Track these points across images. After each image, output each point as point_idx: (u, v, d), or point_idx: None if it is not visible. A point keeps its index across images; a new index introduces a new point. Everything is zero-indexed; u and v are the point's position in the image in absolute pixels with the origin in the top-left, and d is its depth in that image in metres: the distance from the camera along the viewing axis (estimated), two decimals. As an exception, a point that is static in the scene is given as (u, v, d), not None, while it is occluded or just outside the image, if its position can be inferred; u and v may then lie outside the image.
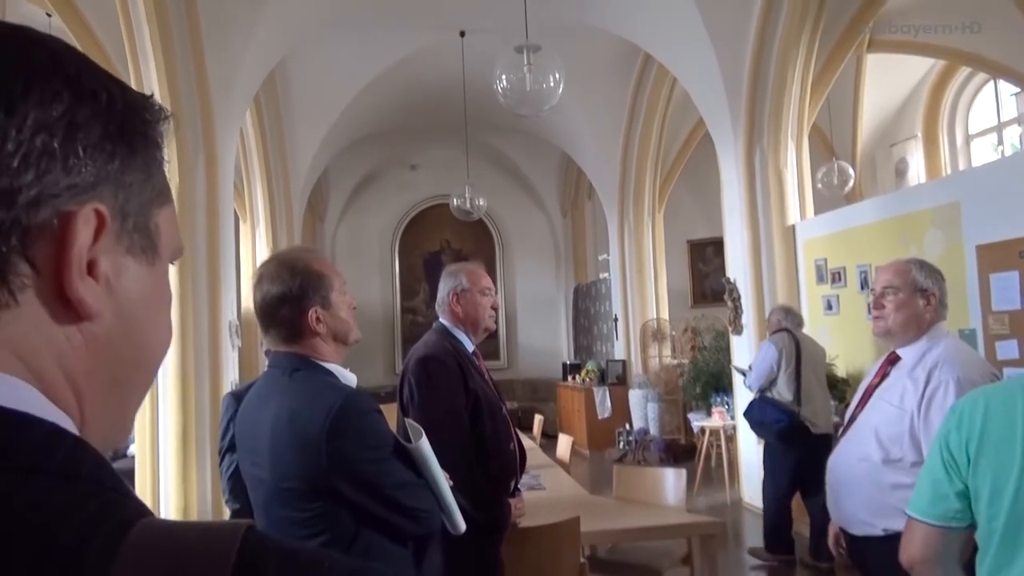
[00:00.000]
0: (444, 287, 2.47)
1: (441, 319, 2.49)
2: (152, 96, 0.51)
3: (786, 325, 4.96)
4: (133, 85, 5.13)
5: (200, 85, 5.21)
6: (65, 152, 0.43)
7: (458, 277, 2.46)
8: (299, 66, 8.02)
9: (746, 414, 5.02)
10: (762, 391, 4.89)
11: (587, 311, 12.34)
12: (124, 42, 5.05)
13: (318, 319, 1.60)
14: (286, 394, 1.56)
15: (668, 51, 6.71)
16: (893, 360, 2.29)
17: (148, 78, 5.04)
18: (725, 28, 5.89)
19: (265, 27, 5.54)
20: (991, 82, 9.04)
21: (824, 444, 4.30)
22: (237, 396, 3.17)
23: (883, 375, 2.30)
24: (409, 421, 1.67)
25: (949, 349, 2.17)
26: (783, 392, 4.75)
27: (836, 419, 4.74)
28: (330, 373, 1.60)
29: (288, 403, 1.54)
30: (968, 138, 9.58)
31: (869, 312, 2.49)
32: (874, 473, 2.16)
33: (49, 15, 6.62)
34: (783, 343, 4.82)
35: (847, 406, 2.59)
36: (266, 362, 3.17)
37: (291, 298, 1.59)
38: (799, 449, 4.64)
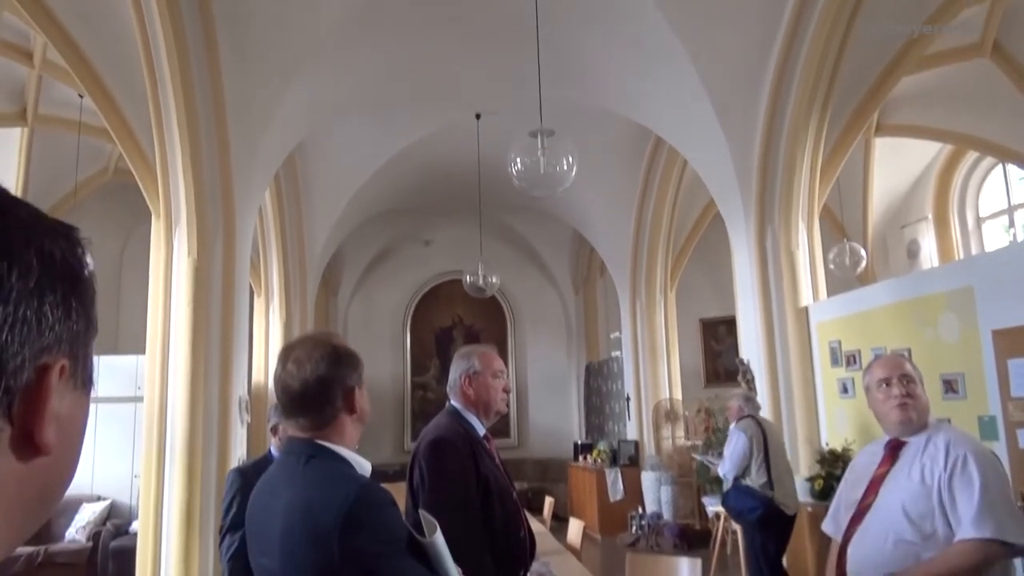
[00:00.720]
0: (456, 369, 2.46)
1: (453, 401, 2.47)
2: (74, 229, 0.54)
3: (748, 411, 5.13)
4: (158, 164, 5.31)
5: (223, 165, 5.35)
6: (39, 317, 0.47)
7: (470, 359, 2.45)
8: (318, 145, 8.24)
9: (724, 504, 5.15)
10: (736, 479, 4.97)
11: (599, 389, 12.22)
12: (151, 121, 5.22)
13: (355, 400, 1.59)
14: (299, 483, 1.53)
15: (679, 134, 6.86)
16: (896, 447, 2.33)
17: (173, 156, 5.19)
18: (735, 112, 6.03)
19: (288, 109, 5.72)
20: (1000, 165, 9.14)
21: (793, 524, 4.76)
22: (243, 472, 3.14)
23: (891, 461, 2.33)
24: (424, 514, 1.63)
25: (951, 431, 2.30)
26: (756, 478, 4.85)
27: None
28: (345, 461, 1.57)
29: (301, 492, 1.50)
30: (979, 220, 9.62)
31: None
32: (916, 551, 2.17)
33: (81, 96, 6.88)
34: (751, 430, 4.95)
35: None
36: (272, 441, 3.16)
37: (333, 381, 1.57)
38: (778, 534, 4.77)
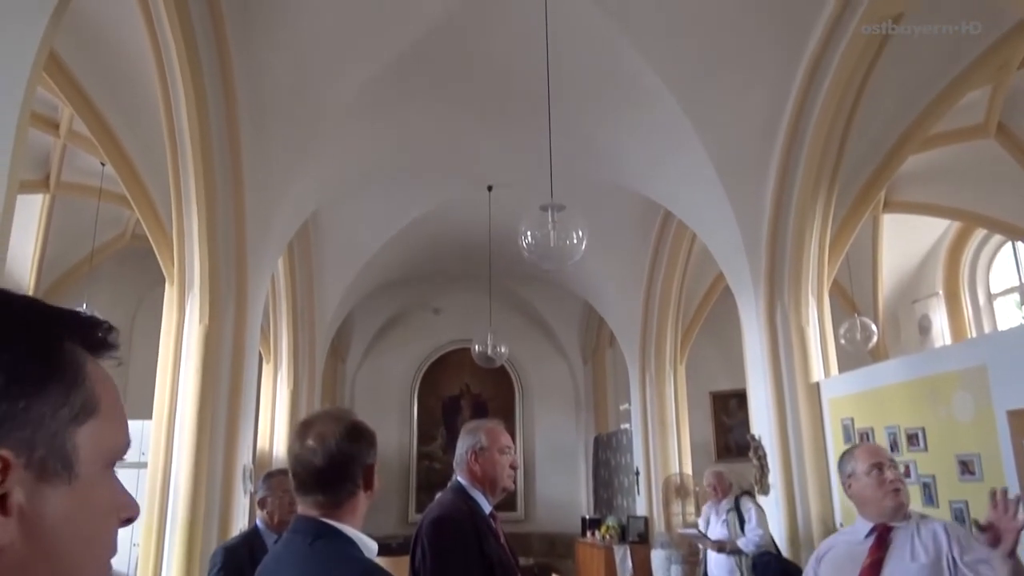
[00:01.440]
0: (463, 444, 2.44)
1: (459, 477, 2.44)
2: (81, 314, 0.54)
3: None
4: (175, 231, 5.40)
5: (238, 233, 5.44)
6: None
7: (477, 435, 2.43)
8: (332, 213, 8.37)
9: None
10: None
11: (608, 463, 12.02)
12: (170, 189, 5.34)
13: (372, 477, 1.59)
14: (304, 564, 1.50)
15: (688, 209, 6.94)
16: (884, 533, 2.34)
17: (189, 224, 5.28)
18: (743, 189, 6.11)
19: (303, 180, 5.85)
20: (1009, 243, 9.17)
21: None
22: (228, 550, 3.05)
23: (881, 548, 2.32)
24: None
25: (921, 515, 2.40)
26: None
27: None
28: (352, 542, 1.55)
29: (306, 574, 1.48)
30: (991, 297, 9.59)
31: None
32: None
33: (103, 164, 7.06)
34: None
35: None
36: (259, 515, 3.09)
37: (354, 457, 1.56)
38: None
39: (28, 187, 7.72)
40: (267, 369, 8.77)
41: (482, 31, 5.34)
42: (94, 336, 0.57)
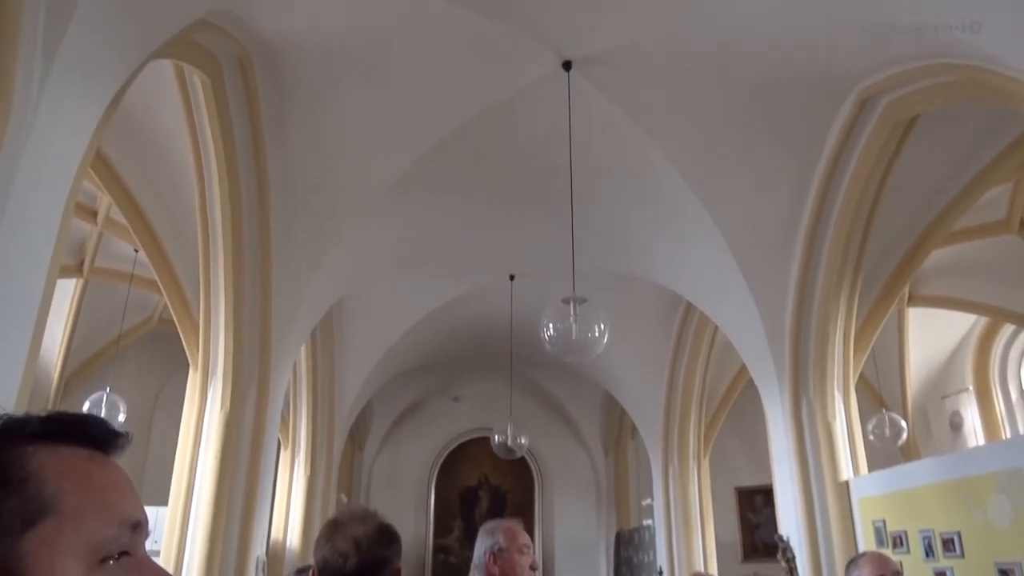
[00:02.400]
0: (481, 546, 2.38)
1: (477, 579, 2.37)
2: (46, 414, 0.53)
3: None
4: (201, 318, 5.48)
5: (263, 322, 5.51)
6: None
7: (495, 535, 2.38)
8: (356, 302, 8.47)
9: None
10: None
11: (629, 560, 11.60)
12: (200, 277, 5.45)
13: None
14: None
15: (710, 301, 6.94)
16: None
17: (216, 312, 5.36)
18: (765, 282, 6.11)
19: (328, 270, 5.96)
20: (1039, 339, 9.02)
21: None
22: None
23: None
24: None
25: None
26: None
27: None
28: None
29: None
30: (1023, 393, 9.36)
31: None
32: None
33: (136, 250, 7.25)
34: None
35: None
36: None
37: (385, 560, 1.54)
38: None
39: (62, 272, 7.90)
40: (284, 456, 8.70)
41: (508, 127, 5.52)
42: (65, 430, 0.56)
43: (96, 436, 0.59)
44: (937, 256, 7.09)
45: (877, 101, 5.03)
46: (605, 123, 5.33)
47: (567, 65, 4.79)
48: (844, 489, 5.84)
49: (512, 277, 8.16)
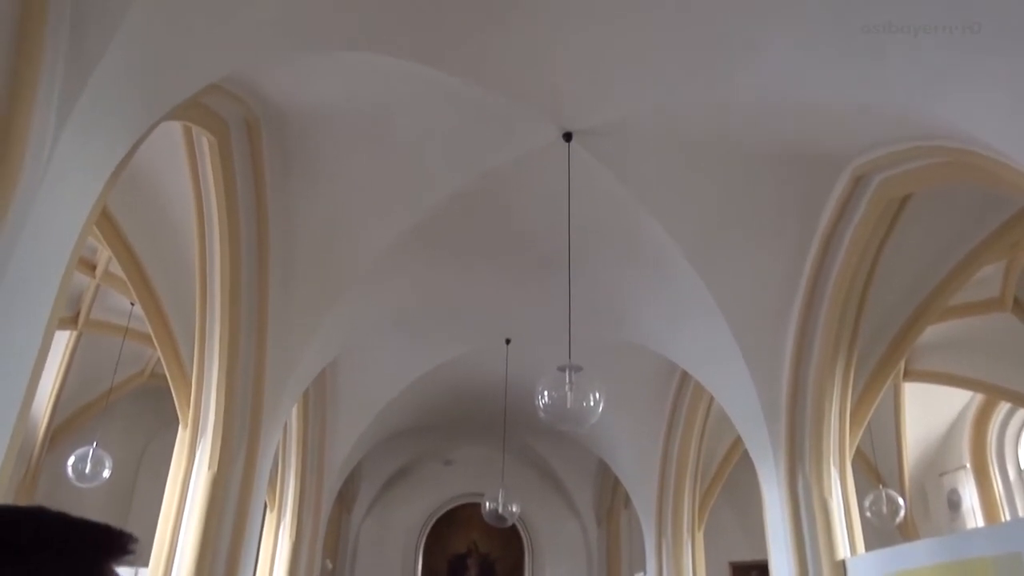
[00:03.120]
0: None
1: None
2: (111, 530, 0.56)
3: None
4: (195, 374, 5.44)
5: (256, 381, 5.47)
6: None
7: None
8: (350, 362, 8.43)
9: None
10: None
11: (621, 636, 11.26)
12: (195, 333, 5.43)
13: None
14: None
15: (706, 372, 6.92)
16: None
17: (210, 369, 5.33)
18: (761, 354, 6.11)
19: (325, 331, 5.95)
20: (1036, 417, 8.98)
21: None
22: None
23: None
24: None
25: None
26: None
27: None
28: None
29: None
30: (1021, 472, 9.26)
31: None
32: None
33: (133, 304, 7.25)
34: None
35: None
36: None
37: None
38: None
39: (58, 324, 7.90)
40: (270, 518, 8.51)
41: (507, 194, 5.59)
42: (118, 549, 0.57)
43: (129, 551, 0.60)
44: (933, 331, 7.11)
45: (871, 179, 5.13)
46: (604, 193, 5.41)
47: (567, 136, 4.89)
48: (841, 568, 5.72)
49: (508, 341, 8.15)
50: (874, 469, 9.25)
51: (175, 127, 4.56)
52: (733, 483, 9.68)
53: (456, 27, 3.91)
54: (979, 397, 9.35)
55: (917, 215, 5.51)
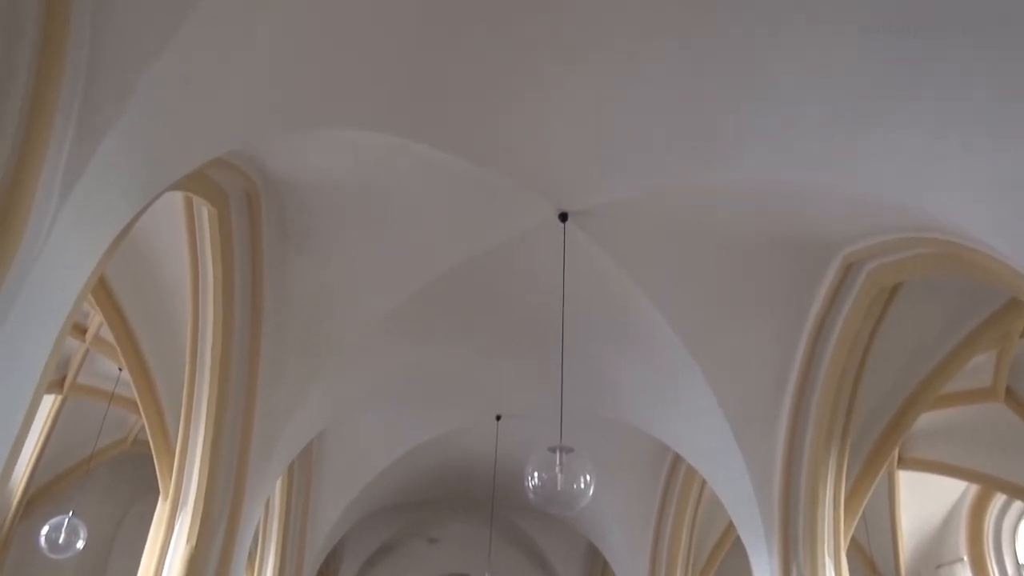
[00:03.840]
0: None
1: None
2: None
3: None
4: (179, 444, 5.34)
5: (241, 454, 5.38)
6: None
7: None
8: (337, 434, 8.30)
9: None
10: None
11: None
12: (182, 402, 5.36)
13: None
14: None
15: (697, 454, 6.83)
16: None
17: (195, 440, 5.25)
18: (754, 440, 6.05)
19: (313, 404, 5.88)
20: (1032, 510, 8.84)
21: None
22: None
23: None
24: None
25: None
26: None
27: None
28: None
29: None
30: (1019, 567, 9.06)
31: None
32: None
33: (120, 369, 7.18)
34: None
35: None
36: None
37: None
38: None
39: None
40: (247, 596, 8.22)
41: (502, 271, 5.63)
42: None
43: None
44: (927, 419, 7.08)
45: (861, 267, 5.19)
46: (598, 272, 5.46)
47: (563, 216, 4.95)
48: (837, 666, 5.52)
49: (499, 417, 8.06)
50: (870, 560, 9.05)
51: (176, 196, 4.61)
52: (726, 571, 9.44)
53: (455, 108, 4.01)
54: (975, 487, 9.23)
55: (908, 303, 5.56)
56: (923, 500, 9.35)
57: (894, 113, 3.44)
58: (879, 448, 6.50)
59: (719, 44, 3.50)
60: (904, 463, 8.46)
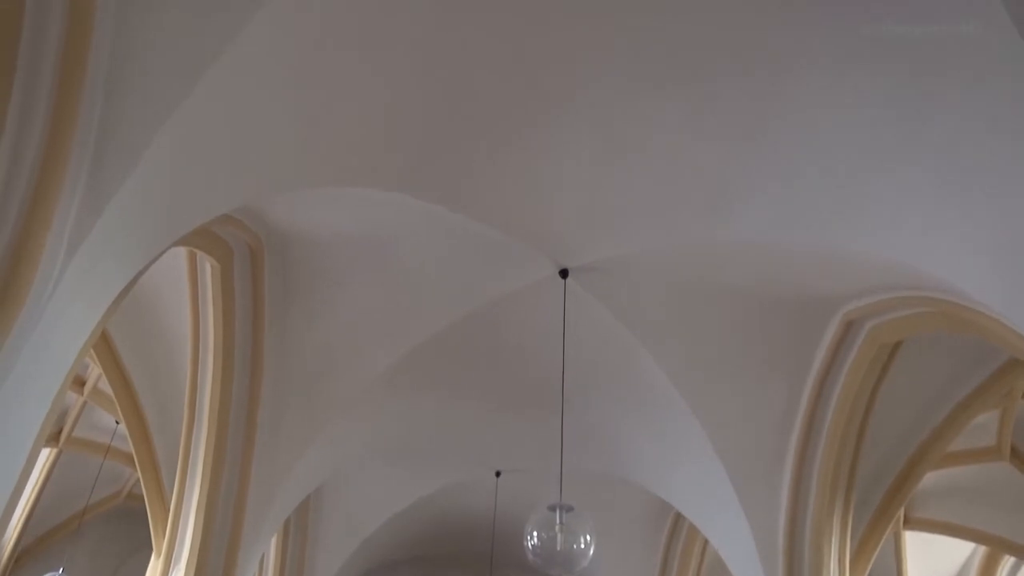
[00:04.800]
0: None
1: None
2: None
3: None
4: (173, 500, 5.27)
5: (236, 512, 5.31)
6: None
7: None
8: (334, 489, 8.20)
9: None
10: None
11: None
12: (179, 457, 5.31)
13: None
14: None
15: (700, 514, 6.73)
16: None
17: (190, 496, 5.18)
18: (757, 499, 5.97)
19: (310, 461, 5.82)
20: (1042, 573, 8.66)
21: None
22: None
23: None
24: None
25: None
26: None
27: None
28: None
29: None
30: (1031, 632, 8.83)
31: None
32: None
33: (118, 422, 7.13)
34: None
35: None
36: None
37: None
38: None
39: (38, 440, 7.74)
40: (238, 657, 7.98)
41: (501, 326, 5.64)
42: None
43: None
44: (933, 479, 7.00)
45: (862, 324, 5.20)
46: (599, 329, 5.46)
47: (564, 272, 4.98)
48: None
49: (498, 473, 7.97)
50: (877, 624, 8.82)
51: (179, 250, 4.65)
52: (730, 635, 9.18)
53: (456, 167, 4.07)
54: (983, 548, 9.05)
55: (910, 360, 5.55)
56: (930, 562, 9.17)
57: (893, 174, 3.48)
58: (884, 507, 6.40)
59: (719, 106, 3.57)
60: (911, 523, 8.32)
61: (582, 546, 4.02)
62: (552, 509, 4.09)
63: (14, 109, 2.13)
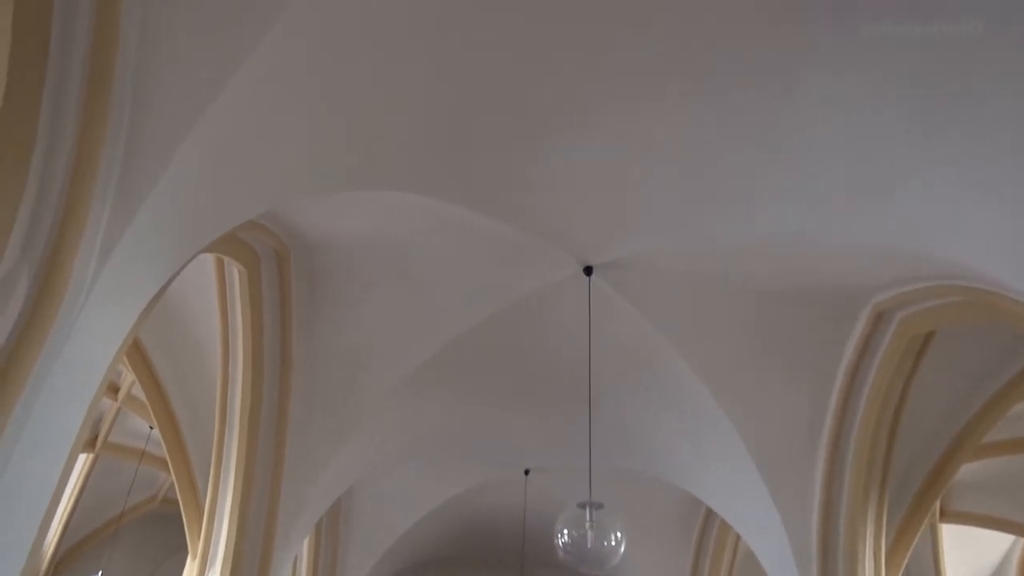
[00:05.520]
0: None
1: None
2: None
3: None
4: (208, 503, 5.35)
5: (270, 513, 5.37)
6: None
7: None
8: (365, 492, 8.26)
9: None
10: None
11: None
12: (212, 460, 5.39)
13: None
14: None
15: (732, 510, 6.68)
16: None
17: (224, 498, 5.25)
18: (789, 493, 5.91)
19: (341, 463, 5.88)
20: (1085, 566, 8.47)
21: None
22: None
23: None
24: None
25: None
26: None
27: None
28: None
29: None
30: (1075, 626, 8.64)
31: None
32: None
33: (152, 427, 7.24)
34: None
35: None
36: None
37: None
38: None
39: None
40: (275, 658, 8.08)
41: (527, 325, 5.64)
42: None
43: None
44: (970, 471, 6.88)
45: (892, 315, 5.13)
46: (624, 325, 5.45)
47: (588, 270, 4.98)
48: None
49: (527, 472, 7.97)
50: (915, 619, 8.68)
51: (207, 257, 4.72)
52: (764, 631, 9.10)
53: (480, 167, 4.08)
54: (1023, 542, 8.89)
55: (943, 350, 5.46)
56: (970, 555, 9.01)
57: (920, 163, 3.43)
58: (919, 501, 6.30)
59: (744, 103, 3.54)
60: (947, 516, 8.19)
61: (612, 543, 4.01)
62: (582, 507, 4.09)
63: (44, 120, 2.17)
